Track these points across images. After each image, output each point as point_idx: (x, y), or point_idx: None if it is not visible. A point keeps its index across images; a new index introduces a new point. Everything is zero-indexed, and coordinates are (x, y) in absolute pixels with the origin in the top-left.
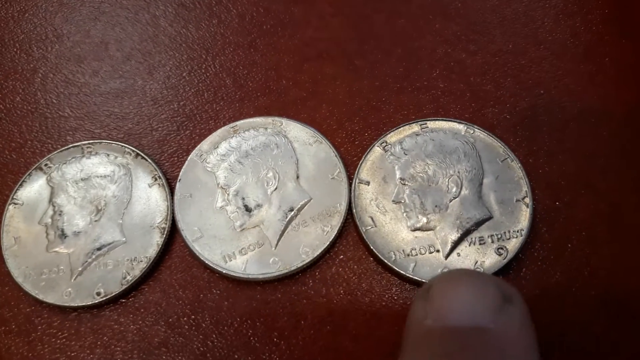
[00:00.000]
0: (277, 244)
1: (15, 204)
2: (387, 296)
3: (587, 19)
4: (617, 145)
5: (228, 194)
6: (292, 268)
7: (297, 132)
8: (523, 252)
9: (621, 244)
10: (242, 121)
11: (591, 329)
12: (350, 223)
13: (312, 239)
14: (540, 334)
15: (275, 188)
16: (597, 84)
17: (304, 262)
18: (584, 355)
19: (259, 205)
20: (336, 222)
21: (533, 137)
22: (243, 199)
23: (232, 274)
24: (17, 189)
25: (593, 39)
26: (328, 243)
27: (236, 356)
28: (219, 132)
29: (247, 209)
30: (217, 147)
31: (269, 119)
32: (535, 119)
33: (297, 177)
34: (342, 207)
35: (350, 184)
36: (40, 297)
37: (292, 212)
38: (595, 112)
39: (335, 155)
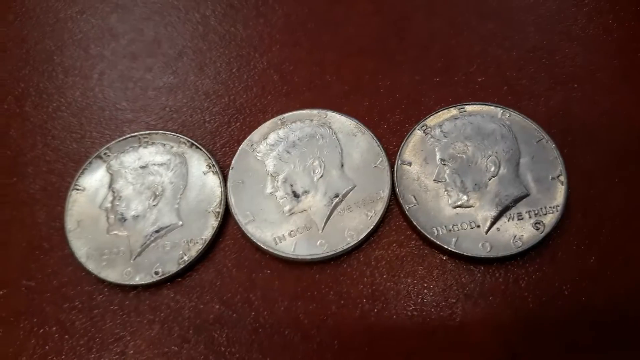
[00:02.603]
0: (323, 228)
1: (78, 189)
2: (428, 278)
3: (619, 16)
4: None
5: (277, 181)
6: (338, 250)
7: (341, 124)
8: (559, 237)
9: None
10: (289, 114)
11: (625, 314)
12: (392, 209)
13: (356, 223)
14: (574, 318)
15: (321, 176)
16: (630, 78)
17: (349, 245)
18: (618, 340)
19: (306, 192)
20: (379, 207)
21: (567, 129)
22: (291, 185)
23: (282, 254)
24: (79, 176)
25: (625, 35)
26: (372, 227)
27: (286, 332)
28: (268, 124)
29: (295, 195)
30: (267, 137)
31: (315, 111)
32: (569, 111)
33: (342, 165)
34: (385, 194)
35: (392, 172)
36: (102, 275)
37: (337, 198)
38: (628, 105)
39: (378, 145)
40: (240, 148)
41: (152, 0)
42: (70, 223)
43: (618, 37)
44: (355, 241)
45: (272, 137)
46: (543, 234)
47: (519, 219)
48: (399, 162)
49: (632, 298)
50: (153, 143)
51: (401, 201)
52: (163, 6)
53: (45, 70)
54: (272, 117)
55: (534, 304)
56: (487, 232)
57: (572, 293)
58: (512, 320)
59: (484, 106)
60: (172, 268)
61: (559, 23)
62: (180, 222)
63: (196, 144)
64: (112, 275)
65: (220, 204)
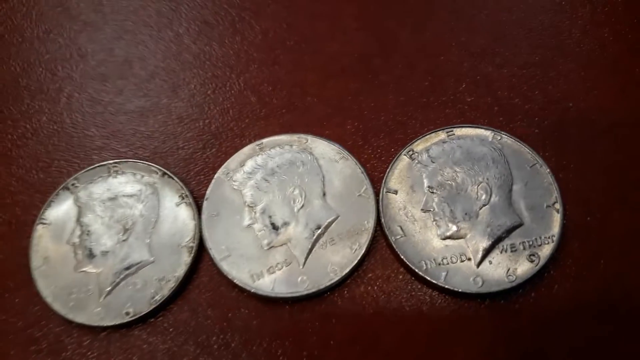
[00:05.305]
0: (304, 263)
1: (44, 223)
2: (416, 315)
3: (615, 29)
4: None
5: (255, 212)
6: (321, 287)
7: (323, 149)
8: (555, 268)
9: None
10: (267, 139)
11: (625, 348)
12: (378, 241)
13: (340, 258)
14: (575, 353)
15: (302, 206)
16: (627, 95)
17: (332, 281)
18: None
19: (285, 224)
20: (364, 240)
21: (562, 151)
22: (270, 217)
23: (261, 292)
24: (45, 209)
25: (622, 50)
26: (356, 261)
27: None
28: (245, 150)
29: (274, 227)
30: (244, 165)
31: (295, 136)
32: (564, 132)
33: (324, 194)
34: (370, 225)
35: (377, 201)
36: (70, 317)
37: (319, 230)
38: (626, 125)
39: (362, 172)
40: (215, 177)
41: (123, 18)
42: (35, 260)
43: (615, 52)
44: (339, 277)
45: (249, 165)
46: (538, 267)
47: (512, 251)
48: (384, 190)
49: (634, 333)
50: (123, 172)
51: (387, 232)
52: (135, 24)
53: (10, 94)
54: (250, 142)
55: (529, 341)
56: (478, 265)
57: (570, 329)
58: (507, 359)
59: (473, 129)
60: (144, 308)
61: (552, 38)
62: (152, 258)
63: (168, 172)
64: (80, 316)
65: (194, 239)
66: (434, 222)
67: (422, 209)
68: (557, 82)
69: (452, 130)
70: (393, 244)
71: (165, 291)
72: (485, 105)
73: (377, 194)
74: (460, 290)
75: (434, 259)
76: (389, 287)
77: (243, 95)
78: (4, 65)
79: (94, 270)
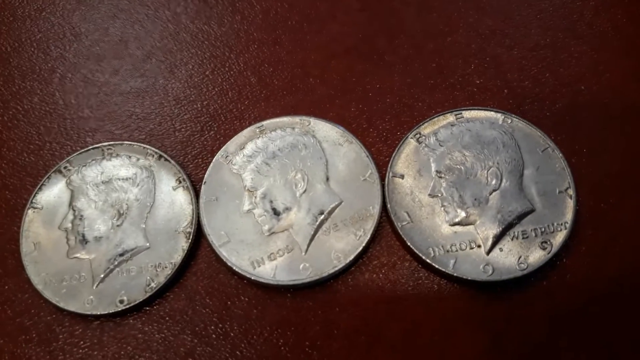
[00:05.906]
0: (307, 249)
1: (35, 208)
2: (423, 304)
3: (629, 11)
4: None
5: (255, 197)
6: (324, 274)
7: (326, 132)
8: (568, 256)
9: None
10: (268, 121)
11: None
12: (383, 227)
13: (344, 244)
14: (588, 343)
15: (304, 190)
16: None
17: (336, 269)
18: None
19: (287, 209)
20: (369, 226)
21: (574, 135)
22: (271, 201)
23: (261, 280)
24: (36, 193)
25: (636, 31)
26: (361, 248)
27: None
28: (245, 132)
29: (276, 213)
30: (243, 148)
31: (297, 118)
32: (576, 116)
33: (327, 178)
34: (375, 210)
35: (383, 186)
36: (61, 305)
37: (323, 216)
38: None
39: (367, 156)
40: (214, 160)
41: None
42: (26, 245)
43: (628, 33)
44: (343, 264)
45: (249, 148)
46: (550, 254)
47: (523, 238)
48: (390, 175)
49: None
50: (118, 155)
51: (393, 218)
52: (130, 3)
53: (1, 74)
54: (250, 124)
55: (541, 332)
56: (488, 252)
57: (582, 319)
58: (518, 350)
59: (483, 111)
60: (139, 296)
61: (563, 19)
62: (147, 244)
63: (165, 155)
64: (72, 304)
65: (191, 224)
66: (442, 208)
67: (429, 194)
68: (569, 65)
69: (460, 113)
70: (399, 230)
71: (161, 278)
72: (494, 88)
73: (382, 178)
74: (469, 278)
75: (442, 246)
76: (394, 275)
77: (243, 76)
78: None
79: (87, 257)
